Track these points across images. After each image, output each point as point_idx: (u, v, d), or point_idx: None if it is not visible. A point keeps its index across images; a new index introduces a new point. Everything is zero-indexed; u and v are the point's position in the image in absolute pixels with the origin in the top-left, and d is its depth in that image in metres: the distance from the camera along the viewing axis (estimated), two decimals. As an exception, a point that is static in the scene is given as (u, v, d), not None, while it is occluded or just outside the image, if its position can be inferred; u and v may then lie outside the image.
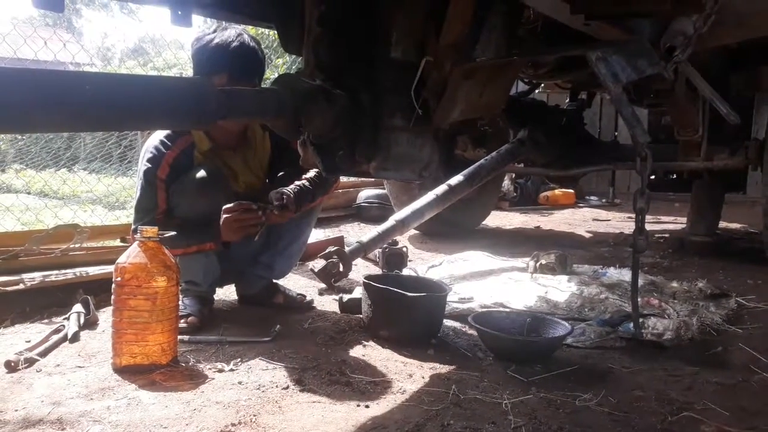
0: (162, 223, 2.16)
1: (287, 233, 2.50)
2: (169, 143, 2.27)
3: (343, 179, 4.90)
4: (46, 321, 2.26)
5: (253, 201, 2.34)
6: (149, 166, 2.25)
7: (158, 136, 2.29)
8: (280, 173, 2.49)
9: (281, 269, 2.57)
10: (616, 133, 7.32)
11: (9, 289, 2.32)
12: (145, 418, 1.53)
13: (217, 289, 2.52)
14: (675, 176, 6.54)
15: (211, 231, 2.23)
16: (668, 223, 5.32)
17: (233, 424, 1.51)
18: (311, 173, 2.45)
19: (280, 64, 8.39)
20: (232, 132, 2.37)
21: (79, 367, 1.86)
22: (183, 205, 2.23)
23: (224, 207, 2.23)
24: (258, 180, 2.48)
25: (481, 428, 1.52)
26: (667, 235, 4.43)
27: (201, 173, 2.22)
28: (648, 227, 1.93)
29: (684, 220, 4.39)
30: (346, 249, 2.85)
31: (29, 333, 2.14)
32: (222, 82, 2.16)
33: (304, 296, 2.61)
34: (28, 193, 6.83)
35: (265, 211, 2.26)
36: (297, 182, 2.39)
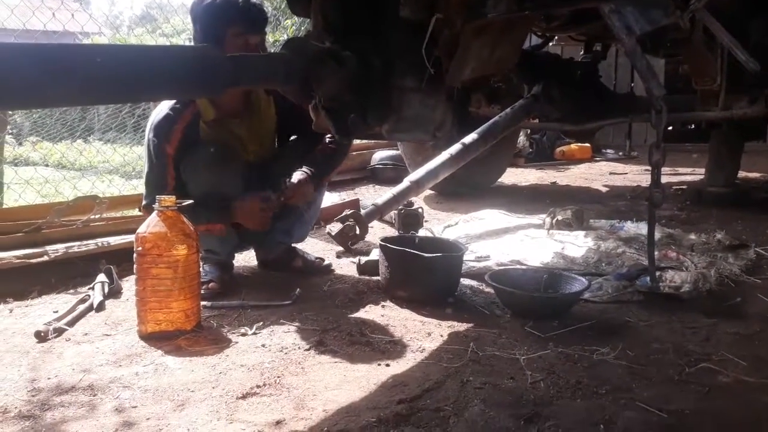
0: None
1: None
2: (175, 115, 2.24)
3: (357, 141, 4.89)
4: (71, 291, 2.32)
5: (266, 170, 2.36)
6: (156, 141, 2.23)
7: (164, 106, 2.27)
8: (292, 138, 2.49)
9: (299, 235, 2.60)
10: (632, 84, 7.18)
11: (34, 261, 2.37)
12: (173, 383, 1.57)
13: (236, 254, 2.56)
14: (693, 127, 6.46)
15: (224, 213, 2.24)
16: (686, 174, 5.26)
17: (258, 386, 1.55)
18: (325, 140, 2.45)
19: (288, 26, 8.30)
20: (236, 99, 2.33)
21: (107, 335, 1.91)
22: (195, 182, 2.23)
23: (241, 198, 2.24)
24: (266, 148, 2.48)
25: (500, 384, 1.55)
26: (684, 187, 4.38)
27: (211, 150, 2.21)
28: (665, 179, 1.92)
29: (702, 171, 4.34)
30: (362, 212, 2.87)
31: (56, 303, 2.19)
32: (236, 36, 2.15)
33: (323, 260, 2.64)
34: (46, 166, 6.90)
35: (281, 198, 2.30)
36: (308, 165, 2.41)
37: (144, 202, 2.28)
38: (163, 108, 2.27)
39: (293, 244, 2.62)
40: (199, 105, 2.29)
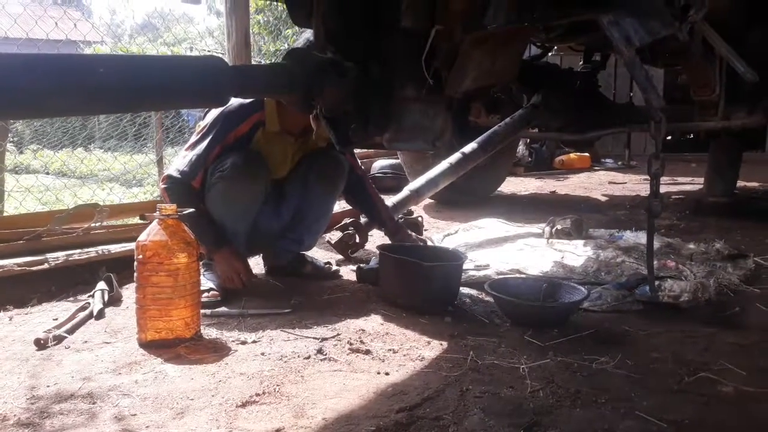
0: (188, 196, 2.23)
1: (314, 209, 2.56)
2: (249, 112, 2.31)
3: (357, 150, 4.91)
4: (71, 299, 2.32)
5: (281, 188, 2.49)
6: (225, 123, 2.29)
7: (237, 101, 2.29)
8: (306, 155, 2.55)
9: (309, 243, 2.65)
10: (631, 94, 7.22)
11: (34, 269, 2.38)
12: (173, 391, 1.57)
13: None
14: (692, 136, 6.48)
15: (209, 249, 2.30)
16: (685, 184, 5.27)
17: (257, 394, 1.55)
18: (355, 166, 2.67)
19: (289, 35, 8.34)
20: (301, 118, 2.27)
21: (106, 342, 1.91)
22: (211, 204, 2.30)
23: (226, 255, 2.31)
24: (287, 170, 2.54)
25: (500, 392, 1.55)
26: (683, 197, 4.40)
27: (245, 167, 2.27)
28: (664, 189, 1.93)
29: (701, 180, 4.36)
30: (362, 220, 2.88)
31: (56, 311, 2.19)
32: None
33: (331, 265, 2.68)
34: (47, 173, 6.92)
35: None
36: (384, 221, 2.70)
37: (169, 173, 2.31)
38: (236, 101, 2.28)
39: (302, 252, 2.65)
40: (266, 114, 2.34)
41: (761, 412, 1.48)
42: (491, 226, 3.40)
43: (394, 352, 1.83)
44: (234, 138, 2.31)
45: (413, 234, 2.77)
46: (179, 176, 2.27)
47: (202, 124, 2.37)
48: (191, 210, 2.00)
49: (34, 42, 4.26)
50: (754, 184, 4.98)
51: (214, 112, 2.34)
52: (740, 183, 4.24)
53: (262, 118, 2.34)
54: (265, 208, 2.46)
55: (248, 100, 2.30)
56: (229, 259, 2.30)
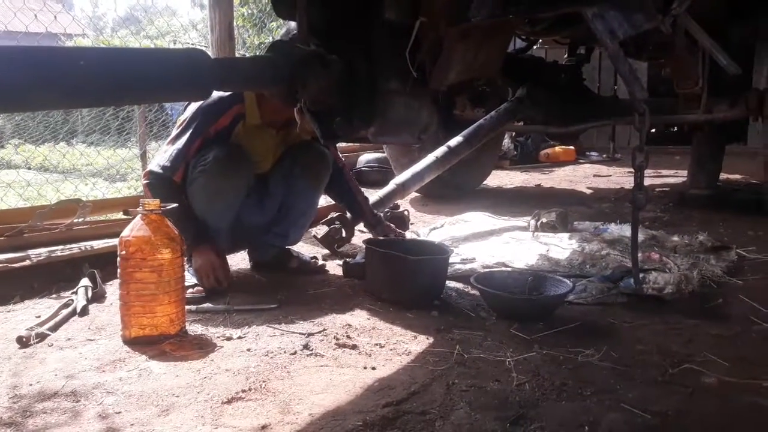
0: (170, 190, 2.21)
1: (299, 204, 2.55)
2: (227, 105, 2.29)
3: (342, 144, 4.90)
4: (54, 296, 2.29)
5: (264, 182, 2.46)
6: (204, 118, 2.28)
7: (216, 94, 2.22)
8: (290, 148, 2.53)
9: (295, 237, 2.64)
10: (615, 87, 7.25)
11: (16, 265, 2.35)
12: (157, 388, 1.56)
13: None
14: (675, 129, 6.52)
15: (189, 245, 2.25)
16: (669, 176, 5.31)
17: (243, 391, 1.54)
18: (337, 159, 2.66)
19: (274, 28, 8.28)
20: (282, 110, 2.26)
21: (90, 340, 1.89)
22: (194, 197, 2.29)
23: (203, 250, 2.29)
24: (270, 164, 2.53)
25: (486, 386, 1.56)
26: (667, 189, 4.43)
27: (227, 161, 2.26)
28: (648, 181, 1.94)
29: (685, 172, 4.39)
30: (348, 215, 2.87)
31: (39, 308, 2.17)
32: None
33: (317, 259, 2.68)
34: (29, 168, 6.84)
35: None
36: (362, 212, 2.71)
37: (151, 168, 2.29)
38: (216, 94, 2.22)
39: (287, 246, 2.64)
40: (247, 107, 2.32)
41: (745, 402, 1.50)
42: (477, 219, 3.40)
43: (380, 346, 1.83)
44: (215, 131, 2.29)
45: (393, 226, 2.77)
46: (161, 171, 2.25)
47: (182, 118, 2.34)
48: (174, 205, 1.99)
49: (12, 35, 4.20)
50: (737, 176, 5.03)
51: (194, 106, 2.32)
52: (723, 175, 4.28)
53: (242, 111, 2.32)
54: (249, 202, 2.45)
55: (227, 93, 2.28)
56: (207, 255, 2.28)
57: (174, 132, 2.34)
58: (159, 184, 2.25)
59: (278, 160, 2.51)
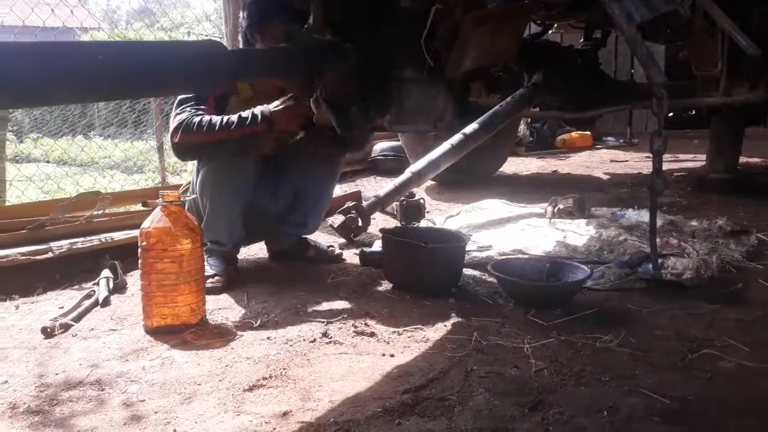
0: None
1: (314, 192, 2.56)
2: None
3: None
4: (76, 287, 2.33)
5: (279, 169, 2.44)
6: (194, 102, 2.21)
7: None
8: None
9: (312, 226, 2.65)
10: (632, 71, 7.18)
11: (39, 257, 2.38)
12: (180, 376, 1.59)
13: (241, 248, 2.57)
14: (693, 112, 6.44)
15: (258, 117, 2.17)
16: (687, 160, 5.25)
17: (264, 378, 1.56)
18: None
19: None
20: (273, 82, 2.26)
21: (113, 330, 1.92)
22: (208, 172, 2.27)
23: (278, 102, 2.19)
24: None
25: (504, 372, 1.56)
26: (685, 174, 4.38)
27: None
28: (666, 166, 1.92)
29: (703, 157, 4.34)
30: (364, 203, 2.87)
31: (62, 300, 2.21)
32: (276, 28, 2.13)
33: (334, 248, 2.69)
34: (48, 162, 6.91)
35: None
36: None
37: (173, 127, 2.18)
38: None
39: (305, 235, 2.65)
40: (238, 83, 2.28)
41: (764, 387, 1.49)
42: (493, 206, 3.39)
43: (398, 334, 1.84)
44: (214, 100, 2.24)
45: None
46: (185, 116, 2.16)
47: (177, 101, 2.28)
48: (193, 196, 2.00)
49: (30, 30, 4.24)
50: (756, 159, 4.96)
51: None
52: (742, 159, 4.22)
53: (234, 86, 2.28)
54: (263, 191, 2.44)
55: None
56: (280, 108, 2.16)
57: (175, 112, 2.26)
58: (189, 122, 2.16)
59: (292, 147, 2.50)
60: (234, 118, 2.14)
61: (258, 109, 2.18)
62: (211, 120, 2.11)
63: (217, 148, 2.16)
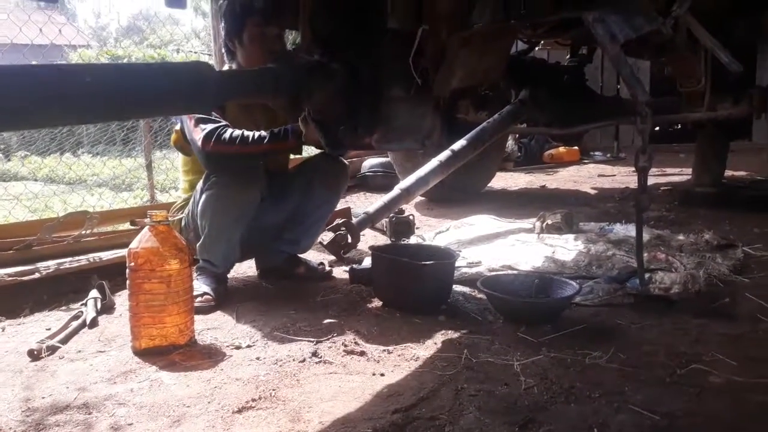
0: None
1: (315, 213, 2.57)
2: None
3: (347, 149, 4.91)
4: (63, 308, 2.31)
5: (282, 184, 2.46)
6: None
7: None
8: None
9: (306, 245, 2.65)
10: (618, 87, 7.25)
11: (25, 278, 2.36)
12: (168, 398, 1.57)
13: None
14: (679, 127, 6.51)
15: (289, 132, 2.19)
16: (673, 174, 5.30)
17: (254, 399, 1.55)
18: None
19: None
20: None
21: (100, 351, 1.90)
22: (214, 195, 2.26)
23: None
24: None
25: (494, 390, 1.56)
26: (672, 188, 4.42)
27: (239, 174, 2.25)
28: (653, 180, 1.94)
29: (689, 171, 4.39)
30: (354, 220, 2.88)
31: (49, 321, 2.18)
32: (254, 27, 2.19)
33: (324, 266, 2.68)
34: (35, 180, 6.87)
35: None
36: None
37: (203, 135, 2.17)
38: None
39: (297, 254, 2.66)
40: None
41: (753, 402, 1.50)
42: (482, 222, 3.41)
43: (388, 352, 1.84)
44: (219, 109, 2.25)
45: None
46: (213, 127, 2.17)
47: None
48: (180, 216, 1.99)
49: (18, 48, 4.23)
50: (742, 173, 5.01)
51: None
52: (728, 172, 4.27)
53: None
54: (263, 204, 2.42)
55: None
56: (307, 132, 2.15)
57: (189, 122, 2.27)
58: (222, 133, 2.17)
59: (298, 167, 2.52)
60: (265, 133, 2.18)
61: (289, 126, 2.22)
62: (243, 133, 2.16)
63: (248, 158, 2.21)
